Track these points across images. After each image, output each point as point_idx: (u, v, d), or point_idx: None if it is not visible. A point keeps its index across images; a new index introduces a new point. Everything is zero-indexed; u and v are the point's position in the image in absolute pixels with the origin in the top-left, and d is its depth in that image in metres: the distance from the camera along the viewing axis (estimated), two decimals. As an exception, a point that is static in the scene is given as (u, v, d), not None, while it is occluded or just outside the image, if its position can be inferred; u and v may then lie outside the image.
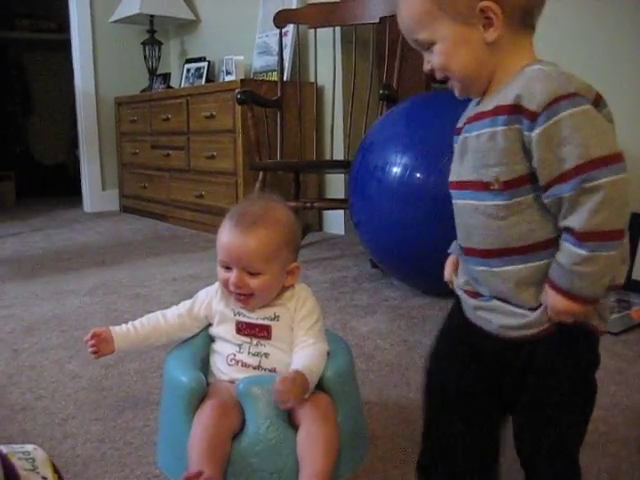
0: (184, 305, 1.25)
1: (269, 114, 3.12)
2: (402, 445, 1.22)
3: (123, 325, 1.24)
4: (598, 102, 0.81)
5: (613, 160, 0.75)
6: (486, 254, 0.86)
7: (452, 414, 0.94)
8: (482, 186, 0.84)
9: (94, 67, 4.72)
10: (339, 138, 3.35)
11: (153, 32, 4.61)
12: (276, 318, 1.17)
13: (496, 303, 0.86)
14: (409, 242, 2.08)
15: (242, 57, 3.84)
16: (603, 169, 0.75)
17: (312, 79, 3.35)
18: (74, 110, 4.84)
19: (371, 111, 2.96)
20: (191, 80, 4.30)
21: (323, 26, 3.12)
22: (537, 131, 0.77)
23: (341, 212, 3.52)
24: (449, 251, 0.99)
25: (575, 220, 0.76)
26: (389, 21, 2.85)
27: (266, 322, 1.17)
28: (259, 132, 2.92)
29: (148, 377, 1.60)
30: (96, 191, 4.84)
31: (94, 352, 1.22)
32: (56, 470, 0.85)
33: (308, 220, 3.54)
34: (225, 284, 1.16)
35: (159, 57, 4.67)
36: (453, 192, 0.92)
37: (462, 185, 0.89)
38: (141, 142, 4.42)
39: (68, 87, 4.96)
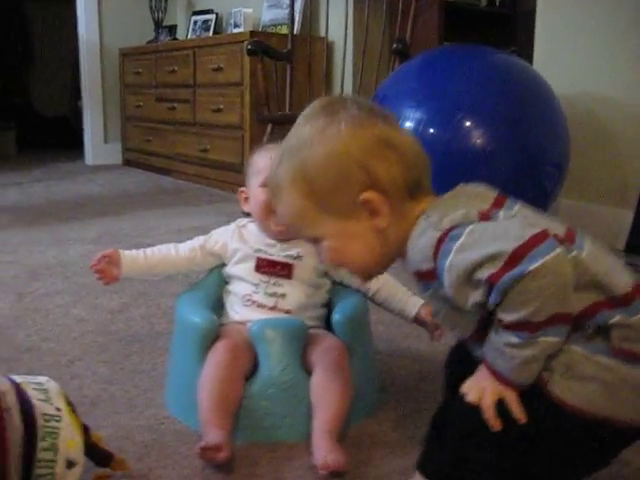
0: (197, 240, 1.24)
1: (278, 67, 3.06)
2: (413, 395, 1.21)
3: (133, 250, 1.22)
4: (488, 216, 0.76)
5: (525, 250, 0.68)
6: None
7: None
8: None
9: (99, 17, 4.62)
10: (348, 94, 3.29)
11: (160, -17, 4.52)
12: (299, 257, 1.15)
13: None
14: (420, 198, 2.05)
15: (251, 10, 3.76)
16: (516, 267, 0.68)
17: (323, 34, 3.28)
18: (77, 61, 4.76)
19: (382, 67, 2.91)
20: (198, 33, 4.22)
21: (336, -22, 3.04)
22: (447, 285, 0.73)
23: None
24: None
25: (502, 314, 0.71)
26: (404, -25, 2.78)
27: (289, 260, 1.15)
28: (268, 85, 2.86)
29: (155, 323, 1.58)
30: (98, 144, 4.78)
31: (101, 277, 1.21)
32: (69, 402, 0.83)
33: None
34: (266, 206, 1.10)
35: (165, 9, 4.58)
36: None
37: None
38: (146, 95, 4.35)
39: (71, 37, 4.87)
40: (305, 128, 0.81)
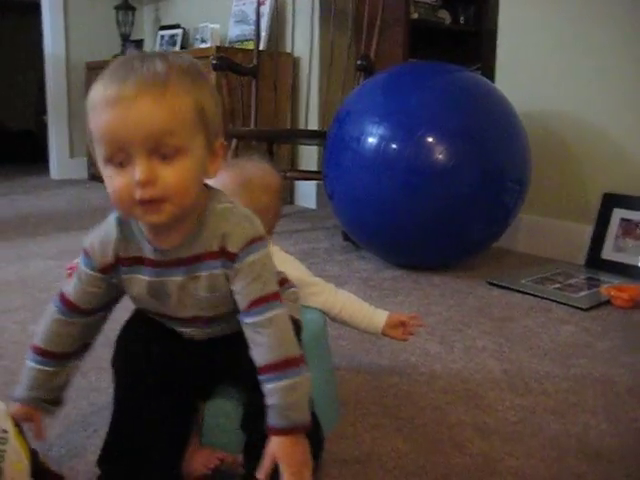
0: None
1: (244, 83, 3.06)
2: (373, 410, 1.21)
3: None
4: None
5: (277, 297, 0.84)
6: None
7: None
8: (211, 319, 0.91)
9: (65, 31, 4.58)
10: (314, 109, 3.31)
11: (127, -4, 4.50)
12: None
13: None
14: (383, 214, 2.06)
15: (218, 25, 3.77)
16: (273, 303, 0.83)
17: (289, 49, 3.30)
18: (42, 75, 4.71)
19: (348, 83, 2.93)
20: (165, 47, 4.21)
21: (301, -5, 3.07)
22: (236, 266, 0.82)
23: (313, 185, 3.49)
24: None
25: (274, 352, 0.82)
26: (369, -8, 2.82)
27: None
28: (233, 100, 2.86)
29: (112, 337, 1.55)
30: (64, 158, 4.73)
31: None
32: (17, 424, 0.82)
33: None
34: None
35: (132, 23, 4.56)
36: (158, 317, 0.94)
37: (181, 320, 0.92)
38: (111, 109, 4.31)
39: (37, 50, 4.82)
40: (182, 58, 0.80)
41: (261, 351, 0.82)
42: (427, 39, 3.86)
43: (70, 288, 0.91)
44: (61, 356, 0.94)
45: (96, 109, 0.75)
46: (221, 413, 1.03)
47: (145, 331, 0.96)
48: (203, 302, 0.87)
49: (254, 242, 0.83)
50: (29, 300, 1.85)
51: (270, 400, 0.81)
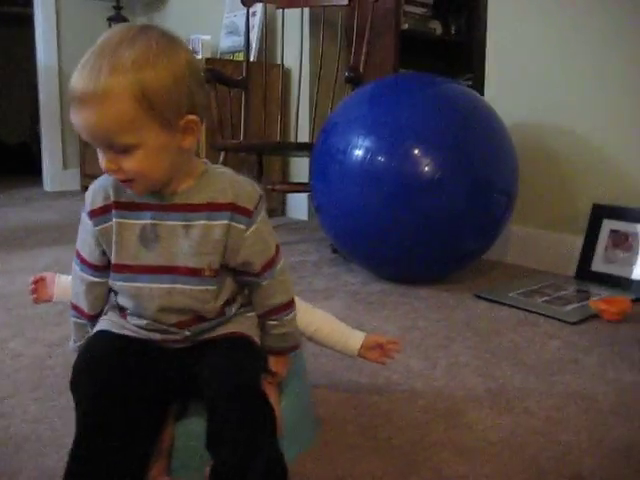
0: None
1: (234, 94, 3.05)
2: (350, 430, 1.19)
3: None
4: None
5: (279, 251, 1.01)
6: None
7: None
8: (192, 272, 0.94)
9: (57, 42, 4.58)
10: (304, 121, 3.30)
11: (119, 8, 4.50)
12: None
13: None
14: (370, 227, 2.05)
15: (209, 37, 3.75)
16: (278, 259, 1.01)
17: (279, 61, 3.29)
18: (36, 86, 4.70)
19: (337, 95, 2.92)
20: (157, 59, 4.20)
21: (291, 7, 3.06)
22: (253, 228, 0.95)
23: (305, 197, 3.48)
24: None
25: (284, 296, 1.02)
26: (358, 4, 2.81)
27: None
28: (222, 112, 2.85)
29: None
30: (57, 170, 4.71)
31: (33, 295, 1.27)
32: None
33: (272, 204, 3.49)
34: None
35: (125, 34, 4.55)
36: (135, 275, 0.95)
37: (162, 270, 0.94)
38: (104, 120, 4.30)
39: (29, 63, 4.81)
40: (134, 48, 0.84)
41: (276, 296, 1.01)
42: (418, 49, 3.85)
43: (78, 238, 1.00)
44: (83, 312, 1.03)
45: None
46: (192, 436, 1.01)
47: (103, 353, 0.96)
48: (191, 248, 0.93)
49: (261, 200, 0.96)
50: (11, 317, 1.83)
51: (282, 330, 1.03)
